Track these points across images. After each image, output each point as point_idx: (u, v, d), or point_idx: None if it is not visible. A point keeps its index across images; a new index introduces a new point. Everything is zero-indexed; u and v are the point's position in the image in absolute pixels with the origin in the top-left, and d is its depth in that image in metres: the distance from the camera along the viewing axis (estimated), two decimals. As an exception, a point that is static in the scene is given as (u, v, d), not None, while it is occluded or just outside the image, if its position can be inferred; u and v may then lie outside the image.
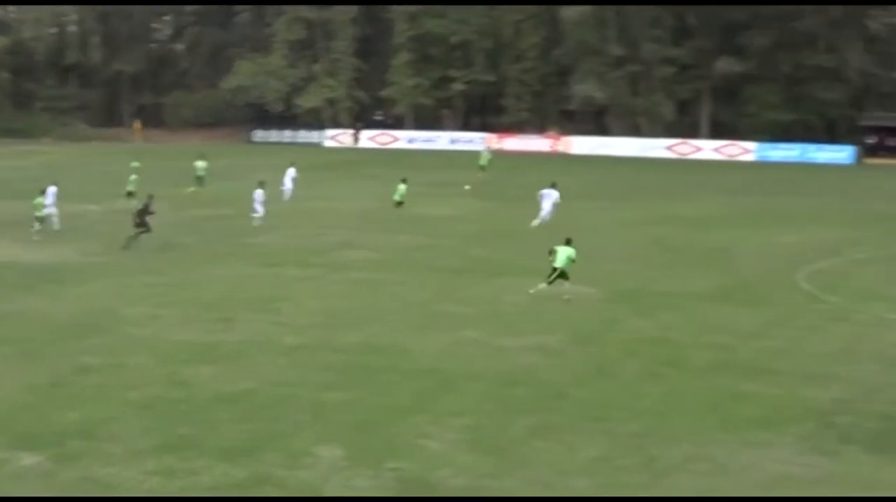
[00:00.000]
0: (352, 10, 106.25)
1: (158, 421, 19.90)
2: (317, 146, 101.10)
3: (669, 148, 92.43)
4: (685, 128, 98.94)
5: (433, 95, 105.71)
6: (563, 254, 30.67)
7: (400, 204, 48.22)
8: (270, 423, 19.89)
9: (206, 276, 34.89)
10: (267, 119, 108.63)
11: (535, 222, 45.16)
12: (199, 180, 57.55)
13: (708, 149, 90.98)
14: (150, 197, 41.64)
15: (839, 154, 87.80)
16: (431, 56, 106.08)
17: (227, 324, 27.93)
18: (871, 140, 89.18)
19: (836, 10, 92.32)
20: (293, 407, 20.87)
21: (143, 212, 40.53)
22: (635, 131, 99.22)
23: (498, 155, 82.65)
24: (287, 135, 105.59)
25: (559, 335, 26.97)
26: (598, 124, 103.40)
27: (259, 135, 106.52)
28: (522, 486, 17.08)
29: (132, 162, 58.96)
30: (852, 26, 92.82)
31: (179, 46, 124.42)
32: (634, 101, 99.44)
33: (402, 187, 48.59)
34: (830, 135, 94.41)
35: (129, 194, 49.29)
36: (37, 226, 42.03)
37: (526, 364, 24.21)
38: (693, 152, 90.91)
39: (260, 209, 46.12)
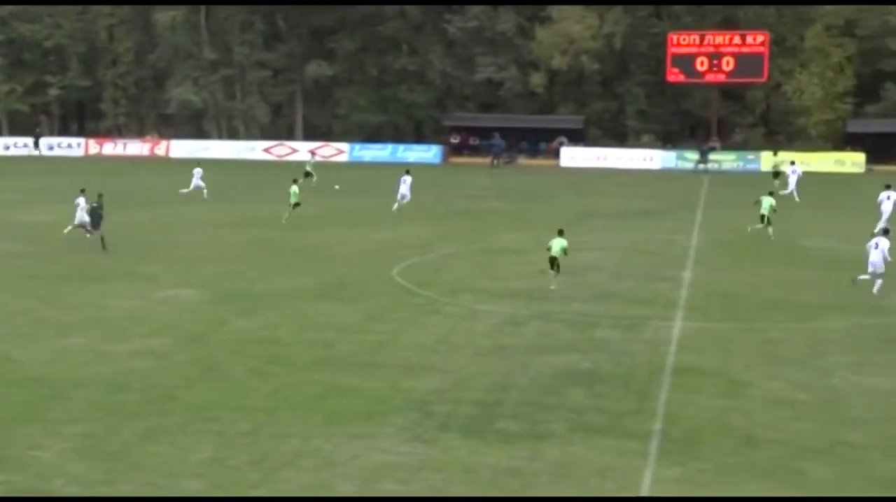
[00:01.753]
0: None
1: None
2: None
3: (267, 150, 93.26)
4: (281, 131, 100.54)
5: (28, 101, 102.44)
6: (558, 244, 33.75)
7: (297, 205, 49.14)
8: None
9: None
10: None
11: (396, 206, 52.23)
12: None
13: (304, 150, 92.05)
14: (100, 196, 41.76)
15: (427, 153, 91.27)
16: (25, 61, 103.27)
17: None
18: (454, 139, 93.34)
19: (416, 15, 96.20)
20: None
21: (97, 211, 41.03)
22: (233, 134, 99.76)
23: (97, 160, 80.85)
24: None
25: (166, 338, 27.21)
26: (196, 127, 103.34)
27: None
28: (135, 490, 17.24)
29: None
30: (432, 30, 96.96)
31: None
32: (230, 104, 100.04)
33: (294, 188, 49.86)
34: (418, 136, 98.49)
35: None
36: None
37: (134, 368, 24.32)
38: (290, 153, 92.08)
39: (83, 216, 43.78)
